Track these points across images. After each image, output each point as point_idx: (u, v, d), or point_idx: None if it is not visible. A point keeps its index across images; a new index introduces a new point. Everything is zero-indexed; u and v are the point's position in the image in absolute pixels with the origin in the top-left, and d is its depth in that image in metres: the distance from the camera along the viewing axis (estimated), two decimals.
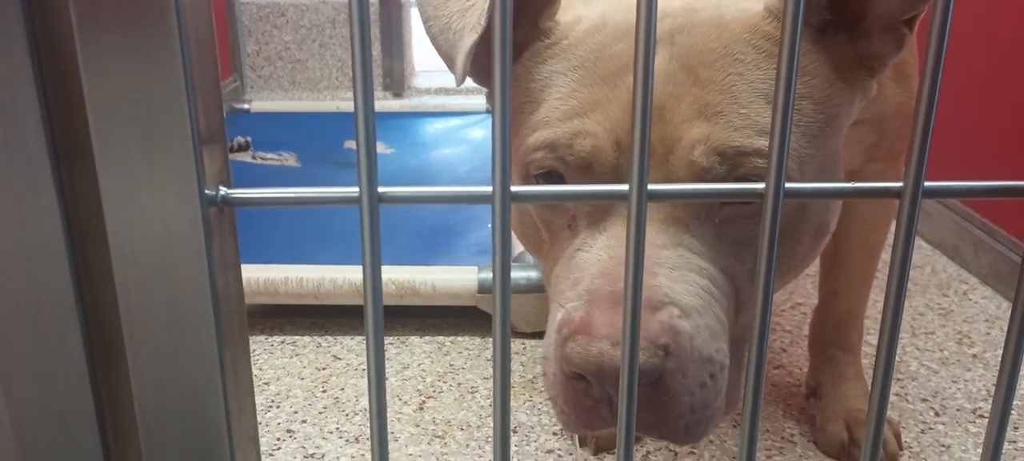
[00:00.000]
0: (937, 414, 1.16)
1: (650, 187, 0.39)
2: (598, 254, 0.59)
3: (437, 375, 1.27)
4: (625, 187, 0.39)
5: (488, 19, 0.62)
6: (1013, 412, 1.15)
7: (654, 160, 0.60)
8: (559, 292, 0.61)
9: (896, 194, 0.39)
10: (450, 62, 0.66)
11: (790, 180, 0.60)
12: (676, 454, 1.08)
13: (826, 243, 0.69)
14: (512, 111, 0.71)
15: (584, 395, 0.57)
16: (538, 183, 0.64)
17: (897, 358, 1.10)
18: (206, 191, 0.38)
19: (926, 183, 0.38)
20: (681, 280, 0.58)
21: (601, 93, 0.62)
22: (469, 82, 0.76)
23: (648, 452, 1.08)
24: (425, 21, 0.68)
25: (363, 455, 1.08)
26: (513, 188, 0.38)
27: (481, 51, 0.64)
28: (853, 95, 0.66)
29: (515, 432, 1.13)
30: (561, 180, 0.64)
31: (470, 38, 0.62)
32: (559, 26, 0.66)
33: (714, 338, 0.59)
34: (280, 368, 1.29)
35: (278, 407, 1.19)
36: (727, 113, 0.59)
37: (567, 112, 0.63)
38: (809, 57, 0.63)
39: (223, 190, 0.40)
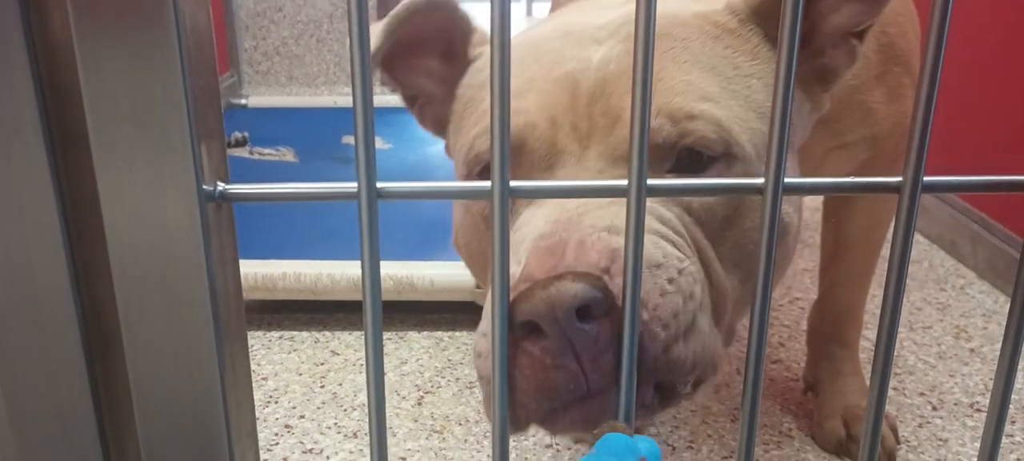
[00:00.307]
0: (935, 408, 1.17)
1: (650, 182, 0.39)
2: (536, 224, 0.57)
3: (435, 370, 1.27)
4: (624, 182, 0.39)
5: (383, 41, 0.67)
6: (1011, 406, 1.16)
7: (598, 133, 0.59)
8: None
9: (895, 189, 0.39)
10: None
11: (744, 154, 0.60)
12: (674, 449, 1.08)
13: (794, 246, 0.68)
14: (457, 126, 0.71)
15: (543, 355, 0.50)
16: (481, 178, 0.64)
17: (895, 352, 1.10)
18: (204, 186, 0.38)
19: (925, 178, 0.38)
20: (608, 215, 0.55)
21: (536, 73, 0.62)
22: None
23: None
24: None
25: (361, 450, 1.08)
26: (512, 183, 0.38)
27: (397, 66, 0.71)
28: (802, 102, 0.67)
29: None
30: None
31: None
32: (488, 49, 0.69)
33: (655, 245, 0.55)
34: (278, 363, 1.29)
35: (276, 402, 1.19)
36: (668, 79, 0.59)
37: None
38: (762, 50, 0.64)
39: (221, 185, 0.39)
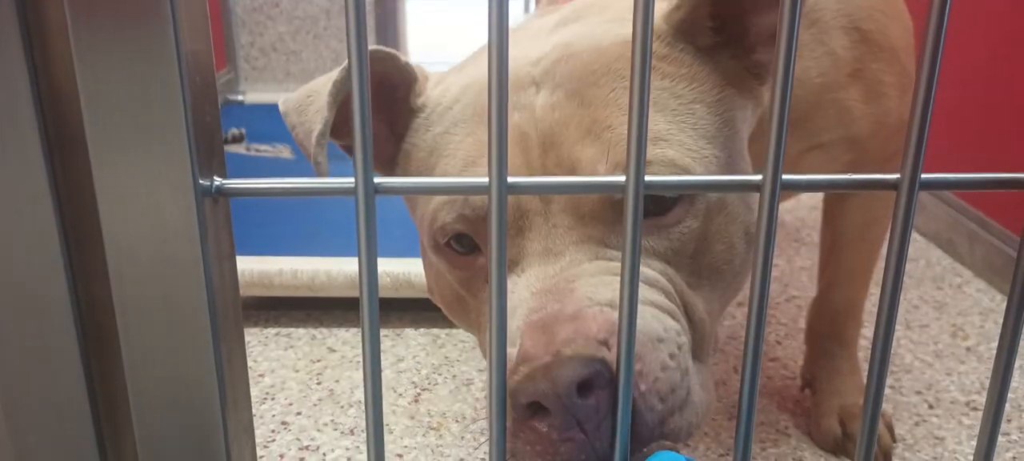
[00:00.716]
0: (931, 407, 1.17)
1: (647, 178, 0.39)
2: (521, 294, 0.58)
3: (432, 367, 1.27)
4: (621, 179, 0.39)
5: (331, 112, 0.66)
6: (1007, 405, 1.16)
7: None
8: None
9: (893, 186, 0.39)
10: (309, 157, 0.70)
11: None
12: None
13: None
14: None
15: (550, 431, 0.52)
16: (449, 249, 0.64)
17: (892, 351, 1.10)
18: (201, 182, 0.38)
19: (922, 175, 0.38)
20: (601, 284, 0.56)
21: (485, 134, 0.62)
22: None
23: None
24: (291, 129, 0.71)
25: (358, 447, 1.08)
26: (510, 179, 0.38)
27: (345, 132, 0.70)
28: (746, 101, 0.67)
29: None
30: (471, 242, 0.63)
31: (317, 130, 0.67)
32: (431, 98, 0.69)
33: (656, 318, 0.56)
34: (275, 360, 1.29)
35: (273, 399, 1.19)
36: (616, 126, 0.59)
37: (458, 165, 0.63)
38: (697, 67, 0.64)
39: (218, 181, 0.39)
